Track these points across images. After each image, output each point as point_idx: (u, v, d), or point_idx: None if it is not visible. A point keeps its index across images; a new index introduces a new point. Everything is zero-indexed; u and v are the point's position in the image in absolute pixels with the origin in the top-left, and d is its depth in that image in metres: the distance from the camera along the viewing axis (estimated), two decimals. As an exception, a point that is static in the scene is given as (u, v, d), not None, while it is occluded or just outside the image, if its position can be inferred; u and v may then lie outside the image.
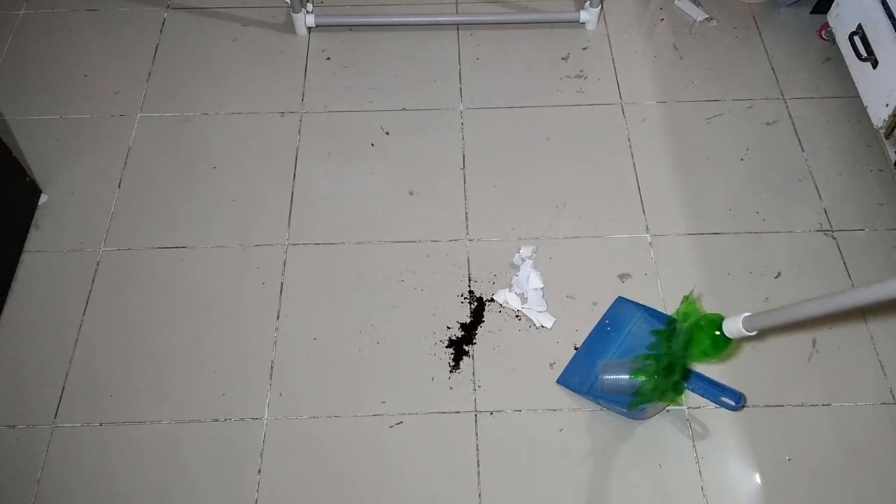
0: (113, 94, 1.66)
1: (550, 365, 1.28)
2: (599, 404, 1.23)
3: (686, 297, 1.06)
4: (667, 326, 1.12)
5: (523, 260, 1.38)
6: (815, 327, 1.32)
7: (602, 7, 1.76)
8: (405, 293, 1.36)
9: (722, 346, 1.00)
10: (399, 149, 1.57)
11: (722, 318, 1.00)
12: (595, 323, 1.31)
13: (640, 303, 1.30)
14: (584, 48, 1.74)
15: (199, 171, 1.53)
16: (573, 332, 1.31)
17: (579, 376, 1.25)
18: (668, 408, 1.23)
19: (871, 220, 1.45)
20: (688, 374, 1.18)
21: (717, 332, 1.00)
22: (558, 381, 1.25)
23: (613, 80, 1.68)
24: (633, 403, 1.15)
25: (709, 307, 1.34)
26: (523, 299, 1.33)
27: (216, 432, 1.22)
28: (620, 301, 1.31)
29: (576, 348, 1.29)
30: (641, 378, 1.13)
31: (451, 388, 1.26)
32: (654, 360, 1.11)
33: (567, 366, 1.26)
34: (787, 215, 1.45)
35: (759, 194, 1.49)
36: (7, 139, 1.44)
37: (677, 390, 1.13)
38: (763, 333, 1.03)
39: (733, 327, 0.97)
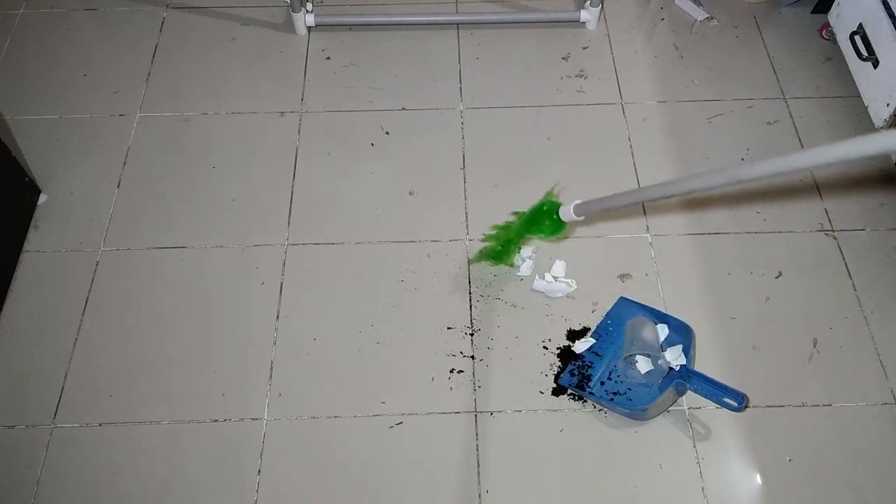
0: (112, 93, 1.66)
1: (551, 365, 1.28)
2: (602, 405, 1.22)
3: (548, 192, 1.27)
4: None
5: (523, 260, 1.38)
6: (814, 327, 1.31)
7: (602, 7, 1.75)
8: (405, 293, 1.36)
9: (558, 226, 1.23)
10: (399, 149, 1.56)
11: (558, 204, 1.22)
12: (597, 323, 1.30)
13: (642, 303, 1.29)
14: (585, 48, 1.74)
15: (198, 171, 1.53)
16: (572, 333, 1.31)
17: (581, 376, 1.24)
18: (669, 408, 1.22)
19: (871, 219, 1.45)
20: (688, 375, 1.18)
21: (555, 216, 1.22)
22: (561, 382, 1.25)
23: (614, 79, 1.67)
24: (476, 258, 1.36)
25: (709, 307, 1.34)
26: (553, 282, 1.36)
27: (216, 432, 1.22)
28: (623, 301, 1.31)
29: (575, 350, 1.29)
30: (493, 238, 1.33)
31: (451, 388, 1.26)
32: (503, 230, 1.33)
33: (569, 366, 1.26)
34: (788, 215, 1.45)
35: (759, 194, 1.48)
36: (6, 139, 1.43)
37: (509, 256, 1.34)
38: (592, 218, 1.26)
39: (566, 212, 1.20)
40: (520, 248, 1.37)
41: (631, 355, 1.22)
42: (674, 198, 1.05)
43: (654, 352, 1.20)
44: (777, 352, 1.29)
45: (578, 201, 1.18)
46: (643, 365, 1.22)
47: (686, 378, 1.18)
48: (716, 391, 1.15)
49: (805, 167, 0.79)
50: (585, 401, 1.24)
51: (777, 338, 1.31)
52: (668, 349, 1.23)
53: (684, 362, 1.21)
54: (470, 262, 1.38)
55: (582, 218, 1.19)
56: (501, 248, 1.32)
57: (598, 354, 1.26)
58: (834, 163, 0.74)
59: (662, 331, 1.25)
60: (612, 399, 1.20)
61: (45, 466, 1.18)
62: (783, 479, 1.17)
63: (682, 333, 1.24)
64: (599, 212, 1.19)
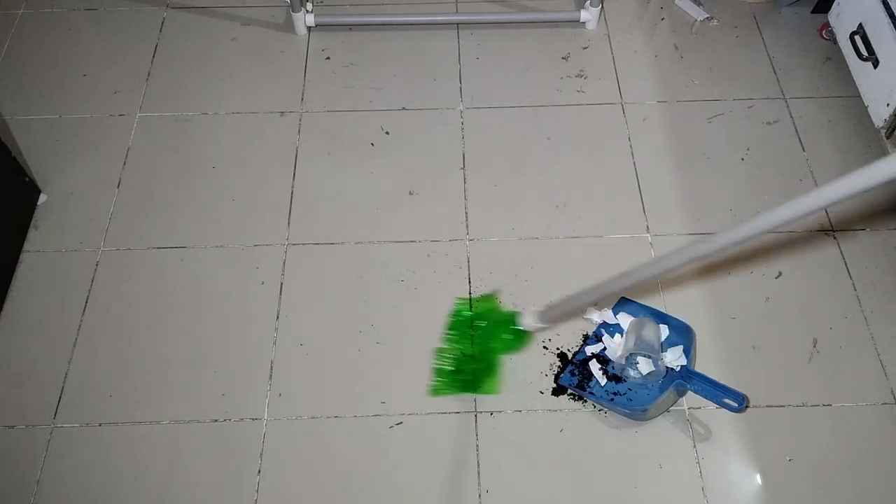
0: (112, 93, 1.66)
1: (550, 365, 1.28)
2: (602, 405, 1.22)
3: (486, 296, 1.27)
4: (461, 317, 1.27)
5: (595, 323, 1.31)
6: (815, 327, 1.31)
7: (602, 6, 1.75)
8: (405, 293, 1.36)
9: (522, 338, 1.20)
10: (399, 149, 1.56)
11: (516, 314, 1.17)
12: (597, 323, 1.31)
13: (642, 303, 1.29)
14: (585, 48, 1.74)
15: (198, 170, 1.53)
16: (574, 333, 1.31)
17: (581, 376, 1.24)
18: (669, 408, 1.22)
19: (871, 220, 1.45)
20: (689, 375, 1.18)
21: (515, 328, 1.17)
22: (561, 382, 1.25)
23: (614, 79, 1.67)
24: (436, 390, 1.24)
25: (709, 307, 1.34)
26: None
27: (216, 432, 1.22)
28: (623, 301, 1.30)
29: (574, 352, 1.29)
30: (445, 367, 1.24)
31: (451, 388, 1.26)
32: (458, 350, 1.25)
33: (569, 366, 1.26)
34: (788, 215, 1.45)
35: (759, 194, 1.48)
36: (6, 139, 1.43)
37: (484, 379, 1.24)
38: (558, 321, 1.19)
39: (528, 322, 1.15)
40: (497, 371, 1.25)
41: (632, 355, 1.22)
42: (644, 283, 0.99)
43: (655, 353, 1.20)
44: (777, 352, 1.29)
45: (537, 308, 1.12)
46: (644, 365, 1.22)
47: (686, 379, 1.18)
48: (716, 392, 1.15)
49: (808, 213, 0.74)
50: (585, 401, 1.24)
51: (777, 338, 1.31)
52: (669, 350, 1.23)
53: (685, 363, 1.21)
54: (430, 394, 1.24)
55: (547, 325, 1.14)
56: (466, 374, 1.23)
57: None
58: (847, 199, 0.71)
59: (663, 331, 1.25)
60: (612, 399, 1.20)
61: (45, 466, 1.18)
62: (783, 479, 1.17)
63: (682, 334, 1.24)
64: (566, 314, 1.11)
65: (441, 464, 1.19)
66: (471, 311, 1.29)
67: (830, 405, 1.24)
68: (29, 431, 1.22)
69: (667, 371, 1.21)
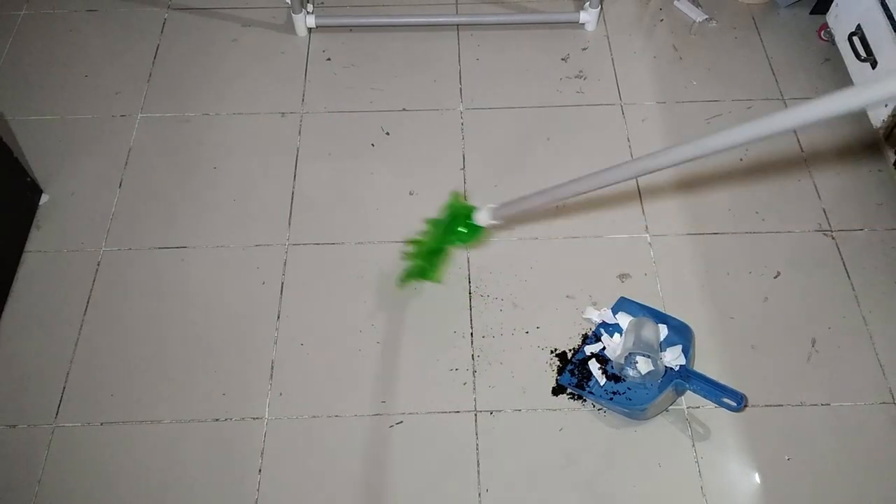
0: (114, 94, 1.66)
1: (551, 365, 1.28)
2: (601, 404, 1.23)
3: (452, 193, 1.27)
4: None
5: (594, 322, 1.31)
6: (813, 327, 1.32)
7: (602, 8, 1.76)
8: (405, 293, 1.36)
9: (475, 232, 1.21)
10: (399, 149, 1.57)
11: (473, 209, 1.19)
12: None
13: (642, 303, 1.30)
14: (584, 49, 1.74)
15: (199, 171, 1.53)
16: (572, 333, 1.31)
17: (581, 376, 1.25)
18: (668, 408, 1.23)
19: (870, 220, 1.45)
20: (687, 375, 1.19)
21: (470, 221, 1.19)
22: (560, 381, 1.25)
23: (613, 80, 1.68)
24: (402, 279, 1.33)
25: (708, 307, 1.34)
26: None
27: (216, 432, 1.22)
28: (622, 301, 1.31)
29: (574, 350, 1.29)
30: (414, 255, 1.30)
31: (451, 388, 1.26)
32: (421, 244, 1.30)
33: (568, 365, 1.26)
34: (787, 215, 1.46)
35: (758, 194, 1.49)
36: (8, 139, 1.44)
37: (435, 271, 1.30)
38: (510, 222, 1.22)
39: (482, 217, 1.17)
40: (444, 260, 1.31)
41: (631, 355, 1.23)
42: (594, 190, 1.00)
43: (654, 352, 1.20)
44: (776, 352, 1.30)
45: (493, 205, 1.15)
46: (643, 365, 1.22)
47: (685, 378, 1.18)
48: (715, 391, 1.16)
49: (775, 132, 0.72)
50: (585, 400, 1.24)
51: (776, 338, 1.31)
52: (668, 349, 1.23)
53: (683, 362, 1.21)
54: (398, 285, 1.35)
55: (500, 222, 1.17)
56: (425, 263, 1.29)
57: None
58: (814, 123, 0.69)
59: (662, 331, 1.26)
60: (611, 398, 1.21)
61: (46, 466, 1.19)
62: (782, 479, 1.17)
63: (681, 334, 1.24)
64: (519, 214, 1.14)
65: (441, 464, 1.19)
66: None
67: (829, 405, 1.24)
68: (30, 431, 1.22)
69: (666, 370, 1.21)
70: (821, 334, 1.31)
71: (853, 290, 1.36)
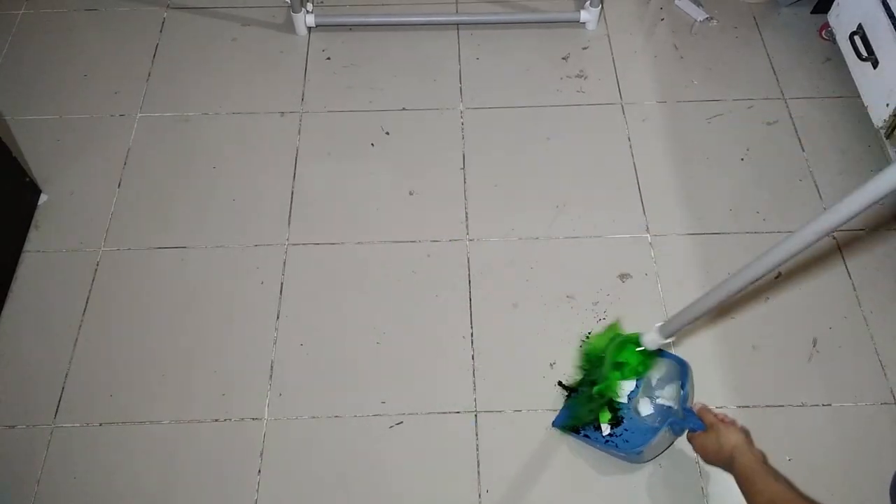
0: (113, 93, 1.66)
1: (551, 365, 1.28)
2: (596, 448, 1.18)
3: (611, 325, 1.15)
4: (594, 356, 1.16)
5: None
6: (814, 327, 1.31)
7: (602, 7, 1.75)
8: (405, 293, 1.36)
9: (649, 358, 1.09)
10: (399, 149, 1.57)
11: (638, 336, 1.07)
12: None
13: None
14: (585, 48, 1.74)
15: (198, 171, 1.53)
16: (572, 333, 1.31)
17: (577, 419, 1.19)
18: (665, 450, 1.18)
19: (871, 220, 1.45)
20: (685, 415, 1.10)
21: (640, 348, 1.07)
22: (553, 425, 1.20)
23: (614, 79, 1.68)
24: (566, 426, 1.19)
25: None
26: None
27: (216, 432, 1.22)
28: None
29: (566, 386, 1.25)
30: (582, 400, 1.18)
31: (451, 388, 1.26)
32: (589, 386, 1.15)
33: (562, 409, 1.22)
34: (788, 215, 1.45)
35: (759, 194, 1.49)
36: (7, 139, 1.44)
37: (608, 410, 1.18)
38: (680, 334, 1.10)
39: (650, 339, 1.05)
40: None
41: (632, 396, 1.18)
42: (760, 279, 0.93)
43: (672, 399, 1.14)
44: (777, 352, 1.29)
45: (659, 324, 1.03)
46: (643, 407, 1.18)
47: (682, 418, 1.09)
48: (681, 423, 1.09)
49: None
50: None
51: (777, 338, 1.31)
52: (666, 387, 1.18)
53: (681, 401, 1.12)
54: (559, 428, 1.20)
55: (671, 339, 1.03)
56: (588, 408, 1.16)
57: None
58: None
59: (660, 368, 1.19)
60: (606, 442, 1.16)
61: (45, 466, 1.19)
62: (783, 479, 1.17)
63: (679, 371, 1.16)
64: (687, 323, 0.99)
65: (441, 464, 1.19)
66: (591, 344, 1.18)
67: (830, 405, 1.24)
68: (29, 431, 1.22)
69: (663, 410, 1.16)
70: (822, 334, 1.31)
71: (854, 290, 1.36)
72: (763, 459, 0.95)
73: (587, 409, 1.17)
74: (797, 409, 1.24)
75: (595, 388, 1.13)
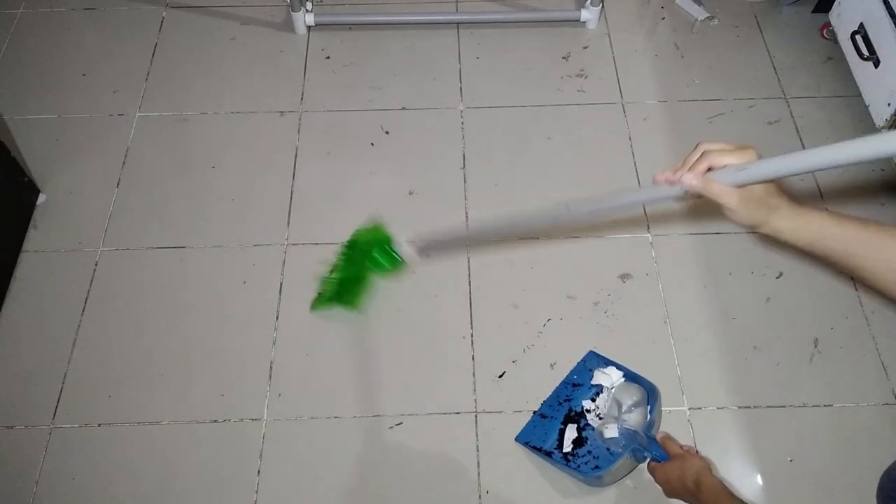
0: (111, 93, 1.65)
1: (551, 366, 1.27)
2: (557, 467, 1.16)
3: (372, 219, 1.26)
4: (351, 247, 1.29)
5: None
6: (815, 327, 1.31)
7: (603, 6, 1.75)
8: (405, 293, 1.36)
9: (394, 262, 1.20)
10: (399, 148, 1.56)
11: (390, 238, 1.19)
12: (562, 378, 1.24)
13: (610, 359, 1.21)
14: (585, 47, 1.73)
15: (197, 170, 1.53)
16: (572, 333, 1.31)
17: (541, 435, 1.18)
18: (626, 475, 1.16)
19: (872, 219, 1.44)
20: (647, 441, 1.08)
21: (389, 250, 1.19)
22: (517, 440, 1.19)
23: (614, 79, 1.67)
24: (317, 304, 1.31)
25: (710, 307, 1.33)
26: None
27: (215, 433, 1.21)
28: (591, 356, 1.24)
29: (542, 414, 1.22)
30: (332, 276, 1.30)
31: (451, 388, 1.25)
32: (341, 271, 1.28)
33: (526, 426, 1.20)
34: (789, 215, 1.45)
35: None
36: (5, 139, 1.43)
37: (354, 298, 1.30)
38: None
39: (405, 249, 1.16)
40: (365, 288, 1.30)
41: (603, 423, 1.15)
42: (529, 228, 0.93)
43: (626, 422, 1.12)
44: (778, 352, 1.29)
45: (413, 238, 1.14)
46: (609, 430, 1.13)
47: (643, 445, 1.07)
48: (643, 451, 1.07)
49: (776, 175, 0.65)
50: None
51: (778, 338, 1.31)
52: (634, 411, 1.14)
53: (646, 428, 1.10)
54: (312, 308, 1.32)
55: (424, 255, 1.16)
56: (342, 289, 1.28)
57: (558, 413, 1.20)
58: (829, 167, 0.66)
59: (629, 391, 1.16)
60: (567, 463, 1.14)
61: (44, 467, 1.18)
62: (784, 480, 1.17)
63: (646, 395, 1.14)
64: (442, 244, 1.10)
65: (441, 464, 1.18)
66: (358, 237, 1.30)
67: (831, 405, 1.24)
68: (28, 432, 1.22)
69: (628, 435, 1.12)
70: (823, 335, 1.31)
71: (856, 290, 1.36)
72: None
73: (342, 289, 1.28)
74: (798, 409, 1.23)
75: (347, 272, 1.27)
